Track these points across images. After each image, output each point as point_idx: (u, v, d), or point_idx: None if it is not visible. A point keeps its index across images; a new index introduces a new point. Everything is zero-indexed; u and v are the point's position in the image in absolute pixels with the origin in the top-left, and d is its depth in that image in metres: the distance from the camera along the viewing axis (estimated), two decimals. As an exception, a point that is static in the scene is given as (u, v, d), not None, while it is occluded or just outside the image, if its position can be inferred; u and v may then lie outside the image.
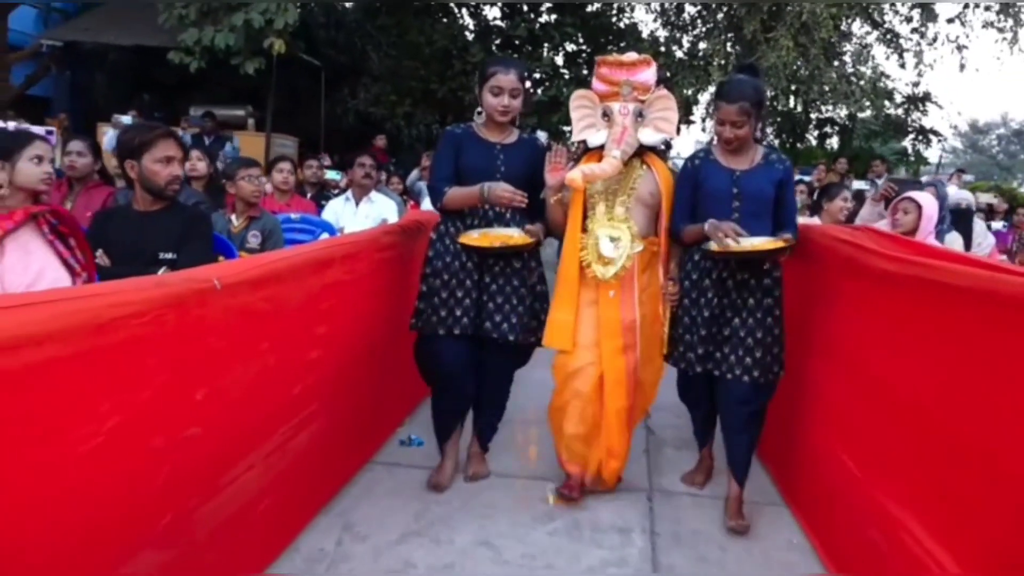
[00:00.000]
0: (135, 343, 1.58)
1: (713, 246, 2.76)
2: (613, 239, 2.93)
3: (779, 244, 2.75)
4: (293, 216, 4.55)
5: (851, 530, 2.55)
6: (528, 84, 2.96)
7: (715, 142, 2.98)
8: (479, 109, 3.01)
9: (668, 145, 3.15)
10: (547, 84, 12.86)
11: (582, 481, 3.10)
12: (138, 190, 2.68)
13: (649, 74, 2.91)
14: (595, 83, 2.97)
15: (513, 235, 2.91)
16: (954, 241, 4.17)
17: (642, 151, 2.98)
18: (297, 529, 2.67)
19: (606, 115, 2.95)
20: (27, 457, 1.36)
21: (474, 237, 2.90)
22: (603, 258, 2.92)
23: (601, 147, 2.94)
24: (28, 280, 2.03)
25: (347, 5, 12.84)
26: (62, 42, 11.98)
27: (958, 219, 4.73)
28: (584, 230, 2.99)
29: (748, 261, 2.82)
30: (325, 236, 4.26)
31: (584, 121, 3.00)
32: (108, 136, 8.71)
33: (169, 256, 2.55)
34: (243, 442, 2.17)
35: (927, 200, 3.62)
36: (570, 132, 3.61)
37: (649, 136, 2.93)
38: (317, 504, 2.85)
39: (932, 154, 17.18)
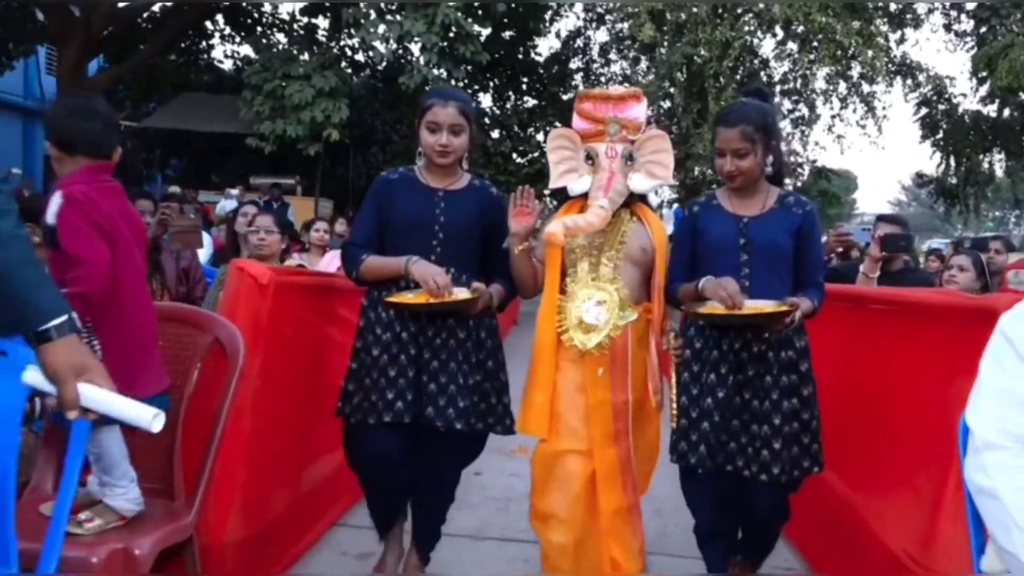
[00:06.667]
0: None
1: (703, 307, 1.71)
2: (599, 303, 1.81)
3: (778, 308, 1.66)
4: None
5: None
6: (472, 119, 1.90)
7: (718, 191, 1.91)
8: (420, 150, 1.93)
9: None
10: (534, 158, 12.23)
11: None
12: None
13: (639, 110, 1.84)
14: (576, 121, 1.89)
15: (459, 295, 1.80)
16: None
17: (631, 200, 1.89)
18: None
19: (590, 158, 1.86)
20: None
21: (409, 297, 1.81)
22: (584, 324, 1.80)
23: (584, 195, 1.86)
24: None
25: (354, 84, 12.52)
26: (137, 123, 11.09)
27: None
28: (563, 292, 1.89)
29: (739, 327, 1.74)
30: None
31: (564, 165, 1.90)
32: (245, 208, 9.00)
33: None
34: None
35: None
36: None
37: (640, 183, 1.85)
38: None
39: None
